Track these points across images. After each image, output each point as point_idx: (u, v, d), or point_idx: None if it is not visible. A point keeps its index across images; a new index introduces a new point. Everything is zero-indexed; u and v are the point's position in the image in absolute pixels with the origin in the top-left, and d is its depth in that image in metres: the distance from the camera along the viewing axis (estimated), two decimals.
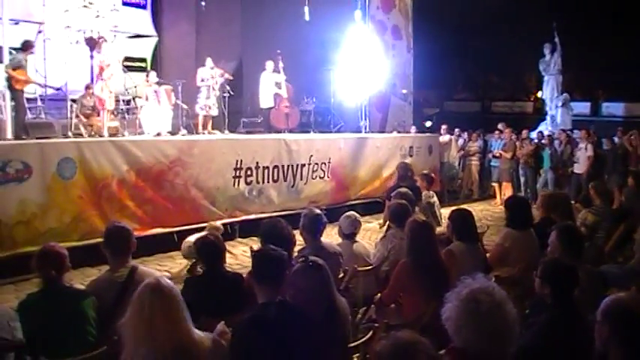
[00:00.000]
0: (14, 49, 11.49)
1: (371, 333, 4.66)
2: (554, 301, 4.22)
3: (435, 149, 18.31)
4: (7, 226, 9.23)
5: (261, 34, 16.56)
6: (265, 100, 15.59)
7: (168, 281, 3.64)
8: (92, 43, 12.10)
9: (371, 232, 11.97)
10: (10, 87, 11.01)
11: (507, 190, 17.19)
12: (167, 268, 9.95)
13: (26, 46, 11.35)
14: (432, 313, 4.69)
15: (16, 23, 13.01)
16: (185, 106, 13.78)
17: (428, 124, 25.88)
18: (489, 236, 9.15)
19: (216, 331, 3.86)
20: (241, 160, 12.51)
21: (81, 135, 11.45)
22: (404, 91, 19.90)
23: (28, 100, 12.32)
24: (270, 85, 15.50)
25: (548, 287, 4.26)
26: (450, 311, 2.93)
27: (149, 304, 3.45)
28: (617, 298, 3.52)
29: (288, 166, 13.53)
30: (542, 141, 18.75)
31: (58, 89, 12.86)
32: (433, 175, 12.03)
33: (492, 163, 18.52)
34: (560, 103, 25.07)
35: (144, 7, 18.06)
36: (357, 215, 7.10)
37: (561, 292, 4.21)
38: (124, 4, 16.91)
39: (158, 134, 12.35)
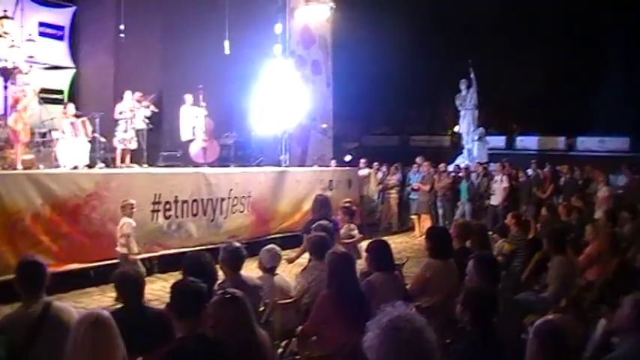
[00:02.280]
0: None
1: None
2: (474, 327, 4.31)
3: (354, 183, 18.42)
4: None
5: (181, 67, 16.41)
6: (186, 133, 15.51)
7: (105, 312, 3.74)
8: (6, 73, 11.81)
9: (292, 266, 11.91)
10: None
11: (426, 223, 17.33)
12: (83, 305, 9.63)
13: None
14: (353, 344, 4.69)
15: None
16: (103, 139, 13.56)
17: (347, 158, 26.10)
18: (409, 268, 9.21)
19: None
20: (160, 194, 12.31)
21: None
22: (324, 125, 20.03)
23: None
24: (190, 119, 15.43)
25: (468, 314, 4.35)
26: (370, 340, 2.92)
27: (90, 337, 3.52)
28: (548, 318, 3.69)
29: (208, 200, 13.38)
30: (460, 174, 19.13)
31: None
32: (354, 207, 12.08)
33: (411, 196, 18.75)
34: (476, 137, 25.69)
35: (61, 38, 17.83)
36: (278, 249, 7.07)
37: (481, 319, 4.32)
38: (41, 34, 16.66)
39: (75, 167, 12.08)
